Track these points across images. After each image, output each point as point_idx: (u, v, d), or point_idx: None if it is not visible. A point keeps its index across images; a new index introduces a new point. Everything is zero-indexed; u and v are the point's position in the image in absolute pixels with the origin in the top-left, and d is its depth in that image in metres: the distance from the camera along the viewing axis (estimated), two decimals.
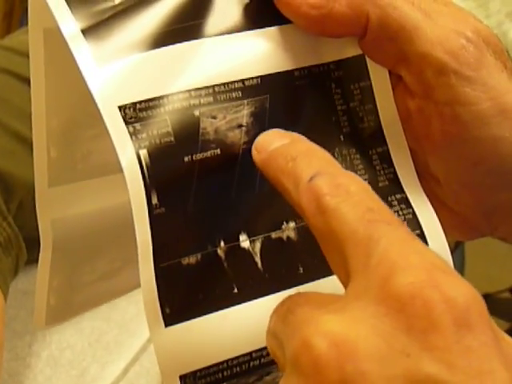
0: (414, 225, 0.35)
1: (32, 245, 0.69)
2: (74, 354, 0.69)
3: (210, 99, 0.32)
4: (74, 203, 0.40)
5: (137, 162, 0.30)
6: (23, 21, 1.34)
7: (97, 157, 0.40)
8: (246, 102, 0.33)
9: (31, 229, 0.68)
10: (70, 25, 0.32)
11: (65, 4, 0.33)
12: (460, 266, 0.99)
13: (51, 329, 0.70)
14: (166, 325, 0.31)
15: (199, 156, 0.32)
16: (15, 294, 0.70)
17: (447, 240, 0.35)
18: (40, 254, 0.40)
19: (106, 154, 0.38)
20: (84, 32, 0.32)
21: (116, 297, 0.44)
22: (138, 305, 0.73)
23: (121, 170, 0.31)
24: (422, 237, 0.35)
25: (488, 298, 1.51)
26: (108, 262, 0.43)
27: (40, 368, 0.67)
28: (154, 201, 0.31)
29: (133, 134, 0.31)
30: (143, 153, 0.31)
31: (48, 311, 0.41)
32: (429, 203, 0.36)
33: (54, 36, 0.34)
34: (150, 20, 0.33)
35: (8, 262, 0.64)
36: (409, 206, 0.35)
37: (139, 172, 0.30)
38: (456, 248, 0.91)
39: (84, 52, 0.32)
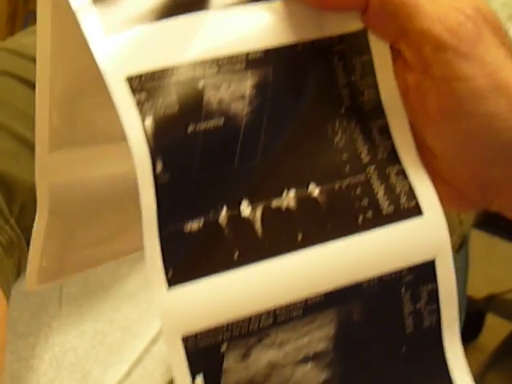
0: (411, 196, 0.36)
1: None
2: (77, 356, 0.69)
3: (214, 71, 0.33)
4: (72, 170, 0.40)
5: (142, 131, 0.31)
6: (26, 23, 1.34)
7: (98, 125, 0.40)
8: (249, 73, 0.34)
9: None
10: None
11: None
12: (464, 266, 0.99)
13: (54, 331, 0.70)
14: (169, 286, 0.32)
15: (203, 126, 0.33)
16: (17, 296, 0.70)
17: (447, 223, 0.36)
18: (36, 217, 0.41)
19: (108, 122, 0.39)
20: (92, 1, 0.33)
21: (107, 261, 0.45)
22: (141, 307, 0.74)
23: (123, 139, 0.31)
24: (418, 208, 0.36)
25: (492, 298, 1.51)
26: (103, 229, 0.43)
27: (43, 370, 0.67)
28: (159, 169, 0.31)
29: (138, 104, 0.32)
30: (148, 122, 0.31)
31: (40, 272, 0.42)
32: (426, 175, 0.37)
33: (63, 3, 0.35)
34: None
35: (10, 264, 0.64)
36: (406, 177, 0.36)
37: (144, 140, 0.31)
38: (460, 249, 0.91)
39: (91, 22, 0.32)
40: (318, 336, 0.34)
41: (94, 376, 0.67)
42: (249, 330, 0.33)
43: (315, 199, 0.34)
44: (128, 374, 0.68)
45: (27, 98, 0.68)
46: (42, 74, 0.38)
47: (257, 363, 0.33)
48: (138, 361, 0.69)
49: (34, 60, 0.71)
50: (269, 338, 0.34)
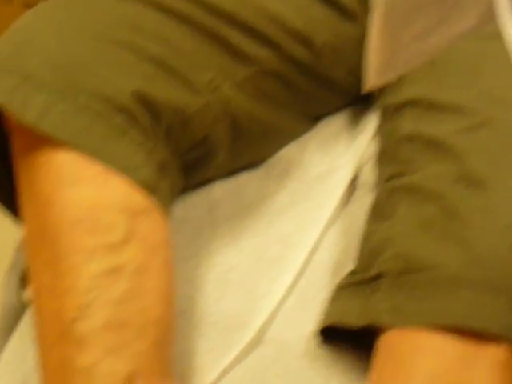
0: None
1: (183, 171, 0.68)
2: (240, 273, 0.68)
3: None
4: None
5: None
6: None
7: None
8: None
9: (181, 153, 0.68)
10: None
11: None
12: None
13: (212, 252, 0.70)
14: None
15: None
16: (172, 221, 0.69)
17: None
18: (374, 15, 0.43)
19: None
20: None
21: (428, 56, 0.47)
22: (294, 220, 0.72)
23: None
24: None
25: None
26: (424, 21, 0.45)
27: (210, 290, 0.67)
28: None
29: None
30: None
31: (377, 69, 0.45)
32: None
33: None
34: None
35: (166, 186, 0.63)
36: None
37: None
38: None
39: None
40: None
41: (260, 290, 0.67)
42: None
43: None
44: (293, 285, 0.67)
45: (159, 20, 0.67)
46: None
47: None
48: (301, 272, 0.68)
49: None
50: None
